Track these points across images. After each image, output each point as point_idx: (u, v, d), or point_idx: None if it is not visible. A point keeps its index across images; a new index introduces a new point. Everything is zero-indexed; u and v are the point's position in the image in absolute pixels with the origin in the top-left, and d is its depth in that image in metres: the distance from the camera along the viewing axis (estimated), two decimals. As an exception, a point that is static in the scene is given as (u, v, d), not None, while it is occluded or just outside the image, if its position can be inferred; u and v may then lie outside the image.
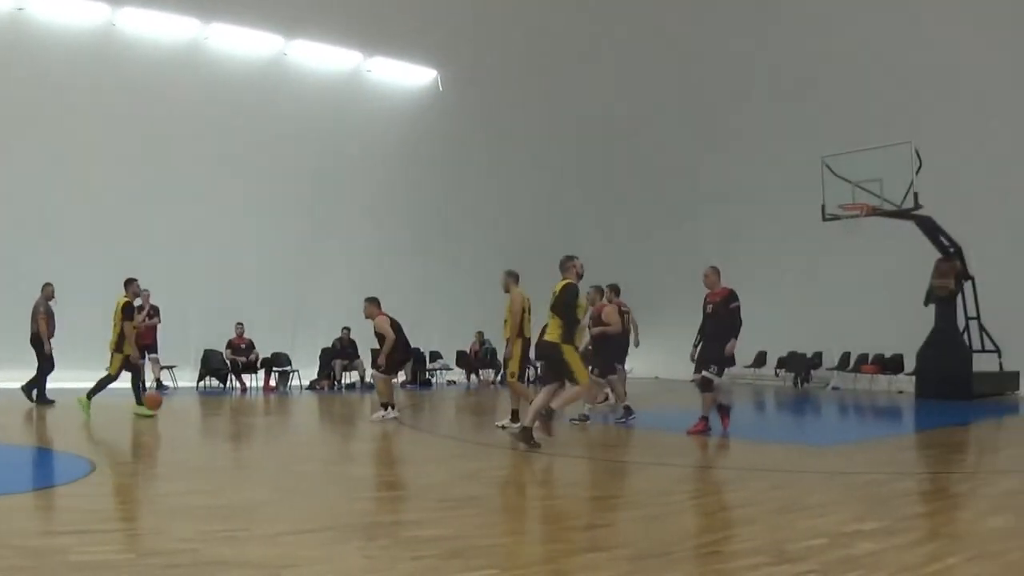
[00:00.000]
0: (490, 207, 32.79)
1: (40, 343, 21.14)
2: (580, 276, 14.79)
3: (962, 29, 25.40)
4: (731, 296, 16.23)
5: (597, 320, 18.03)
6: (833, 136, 25.95)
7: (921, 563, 7.20)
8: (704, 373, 16.21)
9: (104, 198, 26.12)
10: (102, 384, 18.50)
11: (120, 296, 18.60)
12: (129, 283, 18.89)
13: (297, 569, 6.92)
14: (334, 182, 30.04)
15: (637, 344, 21.23)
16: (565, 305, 14.19)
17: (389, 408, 18.10)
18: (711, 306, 16.28)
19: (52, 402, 20.74)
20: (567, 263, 14.66)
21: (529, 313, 17.03)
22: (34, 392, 20.93)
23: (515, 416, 16.54)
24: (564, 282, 14.45)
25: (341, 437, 17.45)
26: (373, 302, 18.62)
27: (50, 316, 21.46)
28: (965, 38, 25.36)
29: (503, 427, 16.63)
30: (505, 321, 17.31)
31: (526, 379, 18.00)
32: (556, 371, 14.41)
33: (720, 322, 16.14)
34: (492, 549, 7.84)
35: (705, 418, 16.23)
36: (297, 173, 29.28)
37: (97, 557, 7.07)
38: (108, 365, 18.61)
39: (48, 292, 21.60)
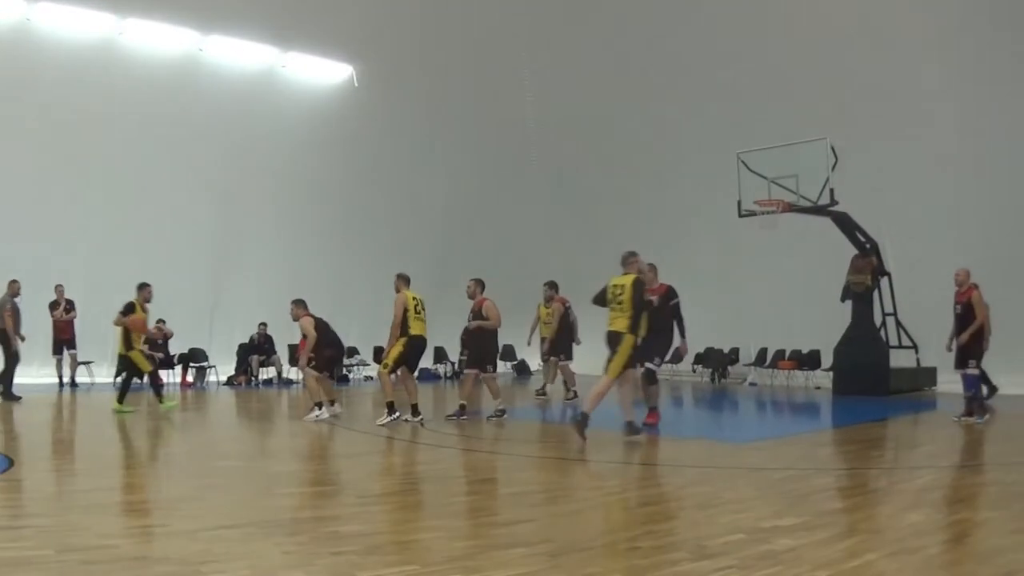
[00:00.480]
0: (405, 204, 32.63)
1: (7, 339, 21.26)
2: (641, 271, 15.30)
3: (880, 24, 25.57)
4: (670, 293, 16.92)
5: (477, 314, 18.02)
6: (748, 132, 26.07)
7: (840, 558, 7.23)
8: (648, 365, 16.67)
9: (17, 193, 25.75)
10: (156, 384, 19.07)
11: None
12: (142, 287, 19.21)
13: (217, 565, 6.87)
14: (249, 178, 29.74)
15: (579, 341, 22.45)
16: (637, 299, 14.65)
17: (322, 406, 17.83)
18: (650, 301, 16.27)
19: (19, 398, 20.88)
20: (631, 259, 15.14)
21: (419, 311, 17.22)
22: None
23: (391, 409, 16.95)
24: (632, 277, 14.86)
25: (259, 433, 17.34)
26: (299, 304, 18.51)
27: (16, 312, 21.63)
28: (882, 33, 25.53)
29: (383, 424, 16.73)
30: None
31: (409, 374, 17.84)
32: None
33: (661, 317, 16.46)
34: (411, 545, 7.83)
35: (655, 408, 16.71)
36: (212, 169, 28.91)
37: (15, 553, 7.01)
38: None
39: (14, 289, 21.78)
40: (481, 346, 18.27)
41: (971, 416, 16.83)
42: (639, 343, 15.30)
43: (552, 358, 22.81)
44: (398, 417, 16.86)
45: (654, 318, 16.16)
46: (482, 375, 18.23)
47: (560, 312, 22.50)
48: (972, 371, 17.16)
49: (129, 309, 18.44)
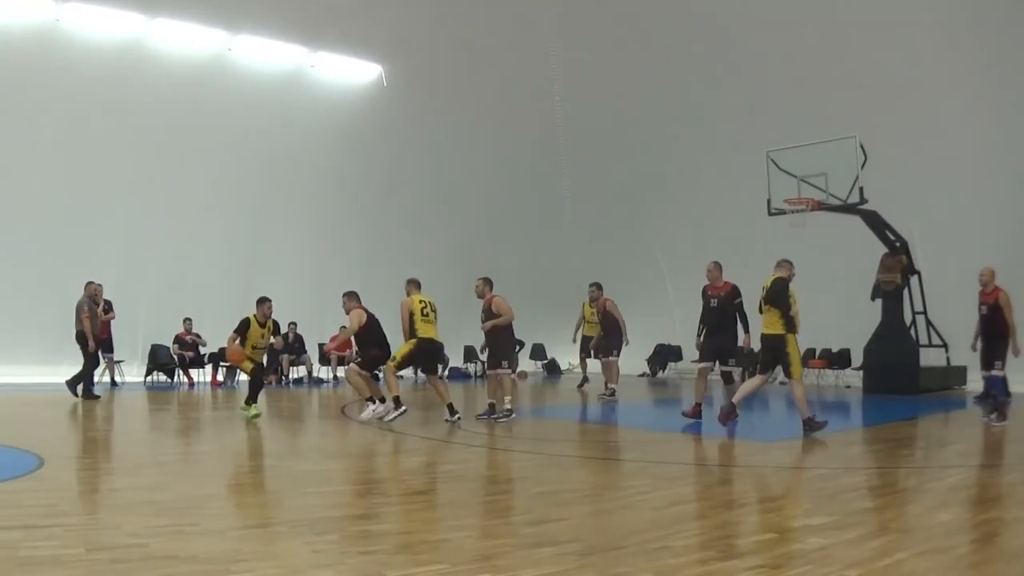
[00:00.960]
0: (432, 204, 32.66)
1: (84, 340, 21.46)
2: (791, 276, 16.03)
3: (908, 20, 25.47)
4: (734, 291, 17.26)
5: (488, 312, 17.99)
6: (778, 130, 26.02)
7: (870, 558, 7.22)
8: (723, 367, 17.22)
9: (53, 195, 25.95)
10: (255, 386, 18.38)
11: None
12: (262, 302, 18.64)
13: (246, 564, 6.88)
14: (280, 178, 29.86)
15: (627, 341, 23.44)
16: (776, 294, 15.43)
17: (374, 401, 17.73)
18: (715, 300, 17.15)
19: (98, 397, 21.54)
20: (784, 263, 16.16)
21: (427, 314, 17.25)
22: (79, 387, 21.36)
23: (397, 403, 17.23)
24: (774, 276, 15.71)
25: (289, 432, 17.37)
26: (352, 296, 18.23)
27: (93, 314, 21.78)
28: (910, 32, 25.43)
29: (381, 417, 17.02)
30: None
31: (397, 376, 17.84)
32: (774, 361, 15.83)
33: (727, 315, 17.05)
34: (441, 544, 7.79)
35: (734, 405, 16.49)
36: (243, 169, 29.05)
37: (45, 552, 7.01)
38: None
39: (91, 290, 22.13)
40: (498, 344, 18.23)
41: (994, 415, 16.67)
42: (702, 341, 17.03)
43: (600, 357, 23.06)
44: (404, 411, 17.04)
45: (717, 316, 17.00)
46: (498, 372, 18.10)
47: (601, 311, 22.79)
48: (997, 372, 17.22)
49: (244, 326, 18.04)
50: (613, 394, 22.47)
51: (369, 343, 17.95)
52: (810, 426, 15.19)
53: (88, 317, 21.44)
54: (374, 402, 17.48)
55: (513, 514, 9.48)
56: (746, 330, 17.17)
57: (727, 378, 17.22)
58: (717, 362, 17.29)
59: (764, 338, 15.82)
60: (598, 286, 23.32)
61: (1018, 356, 17.00)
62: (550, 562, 7.06)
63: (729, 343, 17.13)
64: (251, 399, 17.77)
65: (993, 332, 17.18)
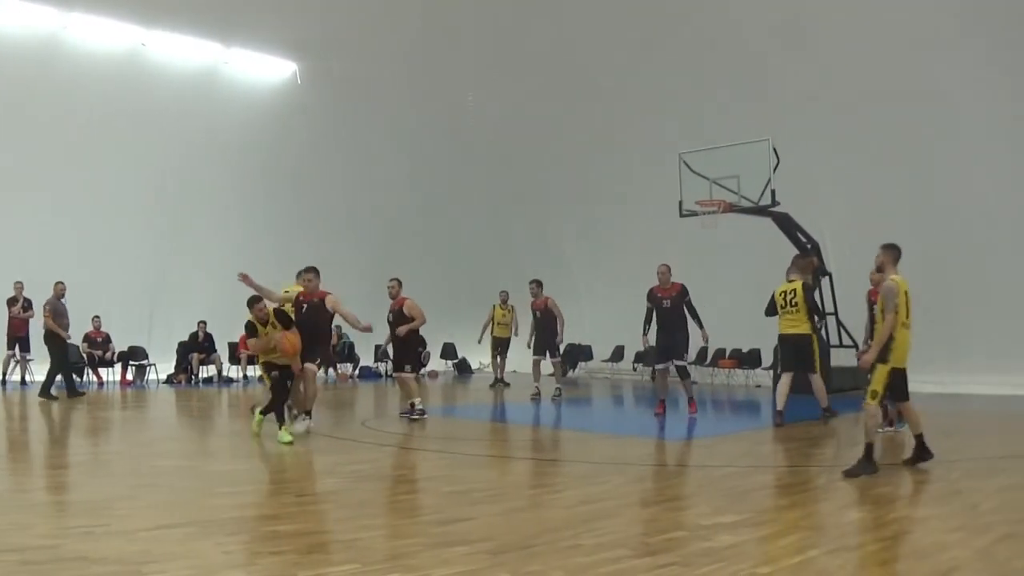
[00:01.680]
0: (347, 202, 32.49)
1: (53, 338, 21.75)
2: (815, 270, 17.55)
3: (815, 28, 25.67)
4: (683, 290, 18.04)
5: (397, 313, 17.89)
6: (691, 133, 26.15)
7: (782, 555, 7.25)
8: (677, 362, 17.87)
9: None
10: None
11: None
12: (251, 304, 15.40)
13: (157, 565, 6.82)
14: (191, 176, 29.51)
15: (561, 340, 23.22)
16: (810, 300, 17.38)
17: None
18: (667, 300, 17.83)
19: (82, 393, 22.13)
20: (801, 261, 17.78)
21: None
22: (67, 387, 21.74)
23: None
24: (800, 282, 17.32)
25: (199, 432, 17.16)
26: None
27: (56, 313, 21.79)
28: (825, 36, 25.64)
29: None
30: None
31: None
32: (796, 357, 17.42)
33: (678, 315, 17.86)
34: (352, 544, 7.73)
35: (692, 399, 18.08)
36: (154, 167, 28.69)
37: (-47, 554, 6.88)
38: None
39: (58, 290, 22.24)
40: (404, 347, 18.06)
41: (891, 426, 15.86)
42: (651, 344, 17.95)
43: (542, 357, 22.95)
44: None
45: (669, 316, 17.72)
46: (398, 374, 18.01)
47: (542, 309, 22.70)
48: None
49: (251, 331, 15.14)
50: (560, 392, 22.51)
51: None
52: (828, 414, 17.38)
53: (49, 315, 21.58)
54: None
55: (424, 513, 9.45)
56: (700, 325, 17.99)
57: (683, 373, 17.99)
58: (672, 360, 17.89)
59: (789, 337, 17.48)
60: (538, 283, 23.12)
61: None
62: (461, 561, 7.04)
63: (683, 341, 17.90)
64: (279, 417, 14.59)
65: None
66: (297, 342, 14.56)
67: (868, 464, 11.01)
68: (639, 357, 30.30)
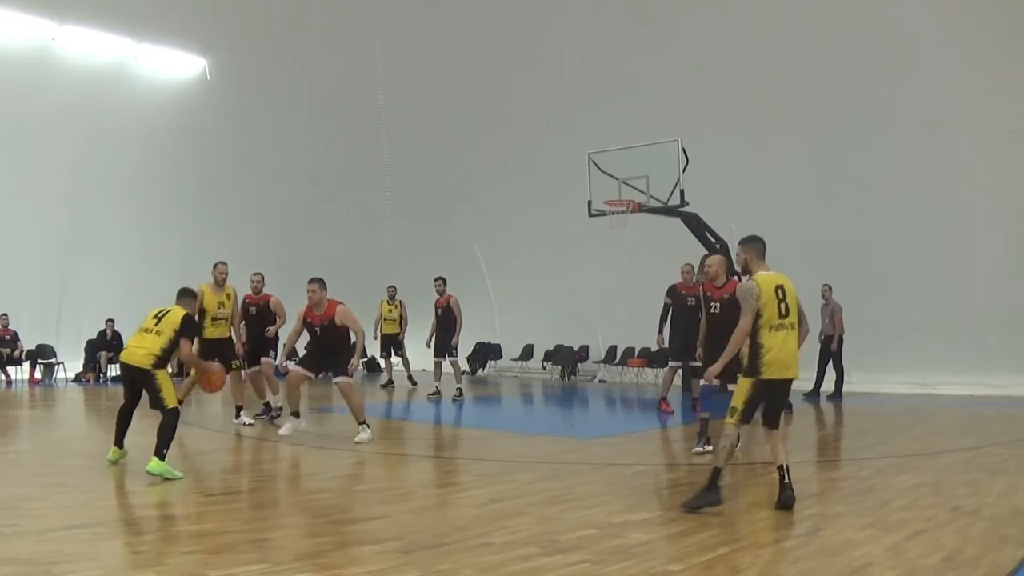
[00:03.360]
0: (258, 200, 32.25)
1: None
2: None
3: (728, 25, 25.83)
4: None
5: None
6: (599, 132, 26.16)
7: (693, 552, 7.26)
8: (693, 364, 17.22)
9: None
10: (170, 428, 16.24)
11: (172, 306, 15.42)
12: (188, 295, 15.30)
13: (67, 565, 6.77)
14: (98, 172, 29.04)
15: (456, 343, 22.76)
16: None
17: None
18: (692, 299, 17.12)
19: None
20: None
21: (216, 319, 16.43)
22: None
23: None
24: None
25: (107, 431, 16.89)
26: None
27: None
28: (732, 34, 25.78)
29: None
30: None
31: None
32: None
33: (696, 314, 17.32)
34: (263, 543, 7.72)
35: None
36: (59, 163, 28.22)
37: None
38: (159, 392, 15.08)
39: None
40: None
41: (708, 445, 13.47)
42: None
43: (441, 356, 22.75)
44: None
45: (694, 316, 16.87)
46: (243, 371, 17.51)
47: (443, 307, 22.50)
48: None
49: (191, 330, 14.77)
50: (461, 393, 22.36)
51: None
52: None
53: None
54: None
55: (335, 512, 9.38)
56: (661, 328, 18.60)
57: (696, 372, 17.13)
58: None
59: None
60: (443, 280, 22.90)
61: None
62: (373, 560, 7.03)
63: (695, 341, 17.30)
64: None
65: (724, 333, 13.53)
66: (218, 379, 13.15)
67: (711, 493, 9.05)
68: (548, 356, 30.30)
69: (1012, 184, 22.51)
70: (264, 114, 31.36)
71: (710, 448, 13.08)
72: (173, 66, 31.05)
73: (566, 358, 30.32)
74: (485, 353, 32.70)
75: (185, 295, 12.93)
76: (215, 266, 16.64)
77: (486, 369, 32.92)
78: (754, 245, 10.17)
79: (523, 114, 30.33)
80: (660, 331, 18.52)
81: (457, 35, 30.81)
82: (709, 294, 14.13)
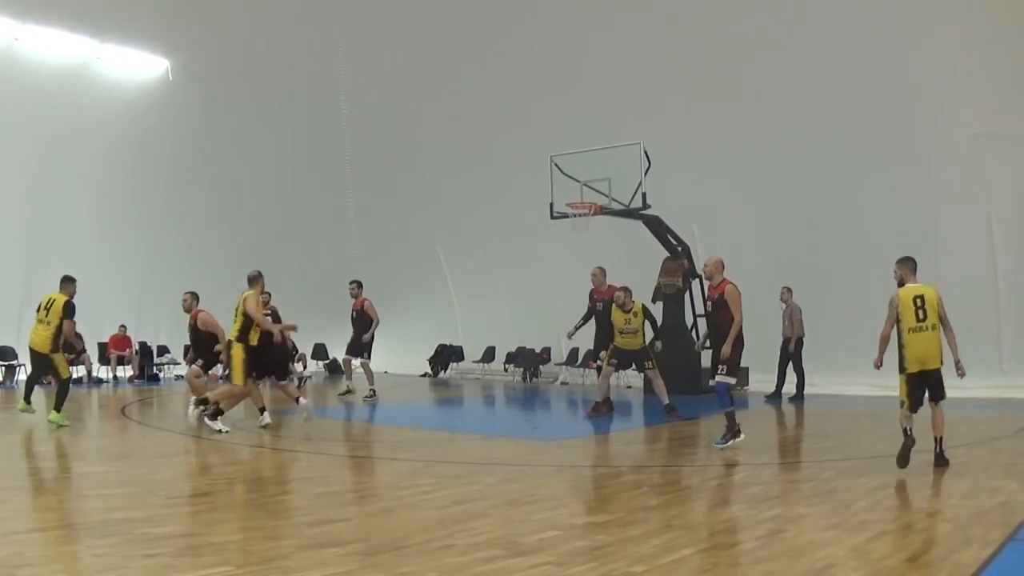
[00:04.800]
0: (219, 202, 32.11)
1: None
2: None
3: (691, 28, 25.88)
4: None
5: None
6: (562, 135, 26.17)
7: (656, 554, 7.24)
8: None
9: None
10: (64, 391, 16.72)
11: (55, 293, 16.79)
12: (69, 281, 16.98)
13: (30, 569, 6.73)
14: (61, 171, 28.82)
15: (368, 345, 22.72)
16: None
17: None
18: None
19: None
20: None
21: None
22: None
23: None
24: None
25: (69, 433, 16.79)
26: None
27: None
28: (695, 37, 25.82)
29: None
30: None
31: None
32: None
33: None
34: (225, 546, 7.70)
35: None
36: (22, 162, 28.00)
37: None
38: (57, 370, 16.80)
39: None
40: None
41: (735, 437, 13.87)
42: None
43: (354, 356, 22.72)
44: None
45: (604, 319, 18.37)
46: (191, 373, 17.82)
47: (357, 310, 22.42)
48: (725, 379, 14.29)
49: (71, 309, 16.50)
50: (374, 394, 22.27)
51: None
52: (672, 411, 18.19)
53: None
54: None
55: (297, 515, 9.36)
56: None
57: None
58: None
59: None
60: (358, 284, 22.83)
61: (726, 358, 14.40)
62: (335, 562, 7.02)
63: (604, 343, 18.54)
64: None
65: (720, 330, 14.69)
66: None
67: (907, 447, 11.29)
68: (510, 358, 30.33)
69: (977, 187, 22.67)
70: (226, 114, 31.20)
71: (730, 444, 13.68)
72: (135, 66, 30.83)
73: (528, 360, 30.32)
74: (447, 355, 32.68)
75: (66, 281, 16.95)
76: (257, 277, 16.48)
77: (448, 371, 32.90)
78: (907, 263, 11.91)
79: (486, 116, 30.34)
80: (573, 332, 19.70)
81: (420, 36, 30.80)
82: (707, 293, 15.67)
